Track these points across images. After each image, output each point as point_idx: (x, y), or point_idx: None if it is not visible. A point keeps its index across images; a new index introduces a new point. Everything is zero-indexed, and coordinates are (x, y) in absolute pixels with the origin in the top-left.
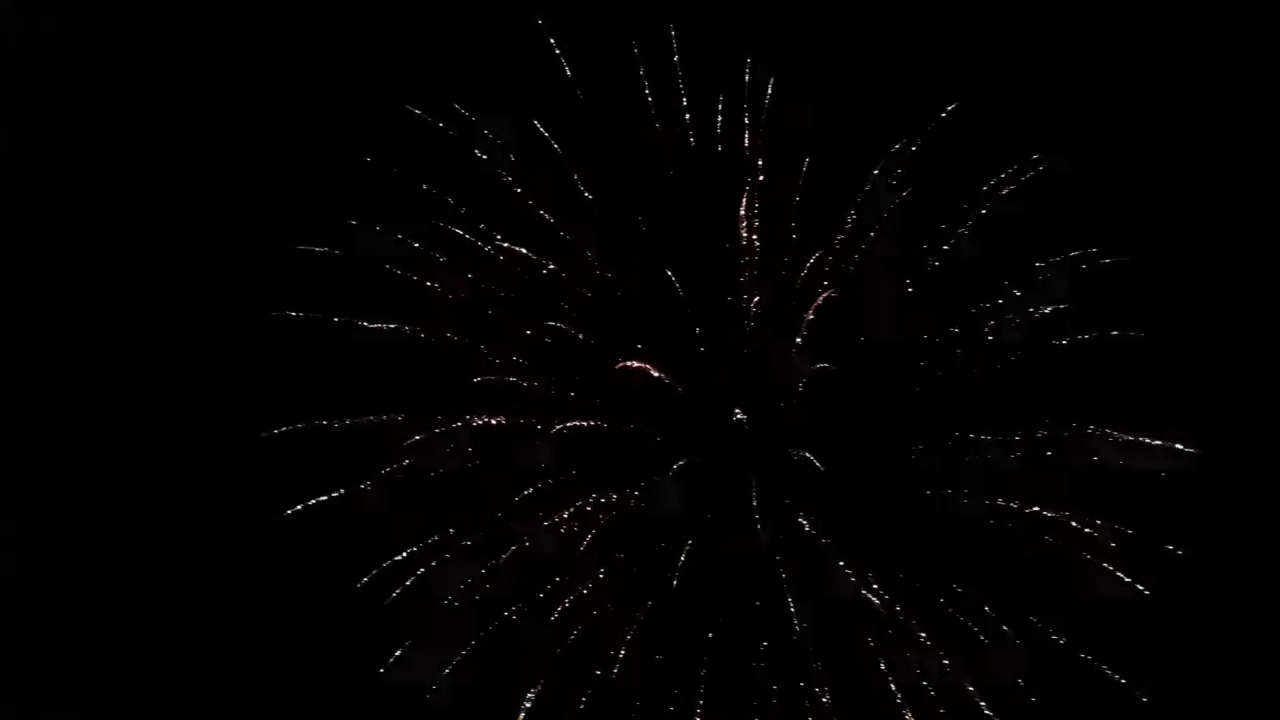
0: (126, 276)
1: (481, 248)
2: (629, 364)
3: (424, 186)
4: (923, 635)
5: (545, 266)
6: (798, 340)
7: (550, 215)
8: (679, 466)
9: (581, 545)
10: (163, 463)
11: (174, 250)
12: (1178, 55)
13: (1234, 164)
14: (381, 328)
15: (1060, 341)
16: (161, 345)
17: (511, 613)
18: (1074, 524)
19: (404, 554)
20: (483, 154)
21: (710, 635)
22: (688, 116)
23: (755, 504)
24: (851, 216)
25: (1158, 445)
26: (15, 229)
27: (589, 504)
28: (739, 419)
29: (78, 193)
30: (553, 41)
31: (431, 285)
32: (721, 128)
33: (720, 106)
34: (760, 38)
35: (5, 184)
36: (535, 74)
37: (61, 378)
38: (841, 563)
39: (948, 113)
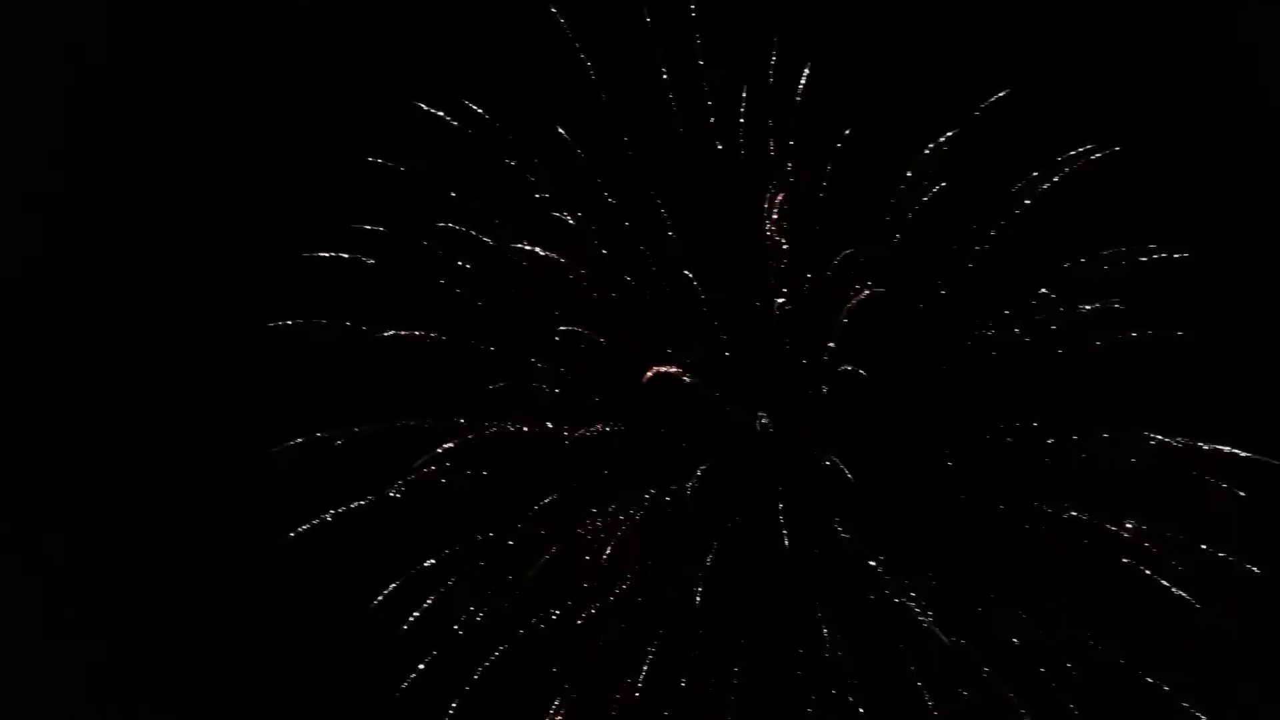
0: (126, 277)
1: (499, 250)
2: (659, 369)
3: (450, 192)
4: (962, 641)
5: (567, 269)
6: (829, 345)
7: (569, 216)
8: (702, 471)
9: (605, 555)
10: (163, 463)
11: (174, 251)
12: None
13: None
14: (399, 334)
15: (1095, 343)
16: (161, 346)
17: (539, 621)
18: (1110, 527)
19: (428, 563)
20: (497, 152)
21: (741, 641)
22: (712, 120)
23: (781, 509)
24: (886, 218)
25: (1202, 449)
26: (15, 229)
27: (614, 511)
28: (764, 423)
29: (78, 193)
30: (570, 34)
31: (453, 290)
32: (744, 123)
33: (743, 104)
34: (784, 30)
35: (5, 184)
36: (550, 68)
37: (61, 378)
38: (876, 565)
39: (991, 102)
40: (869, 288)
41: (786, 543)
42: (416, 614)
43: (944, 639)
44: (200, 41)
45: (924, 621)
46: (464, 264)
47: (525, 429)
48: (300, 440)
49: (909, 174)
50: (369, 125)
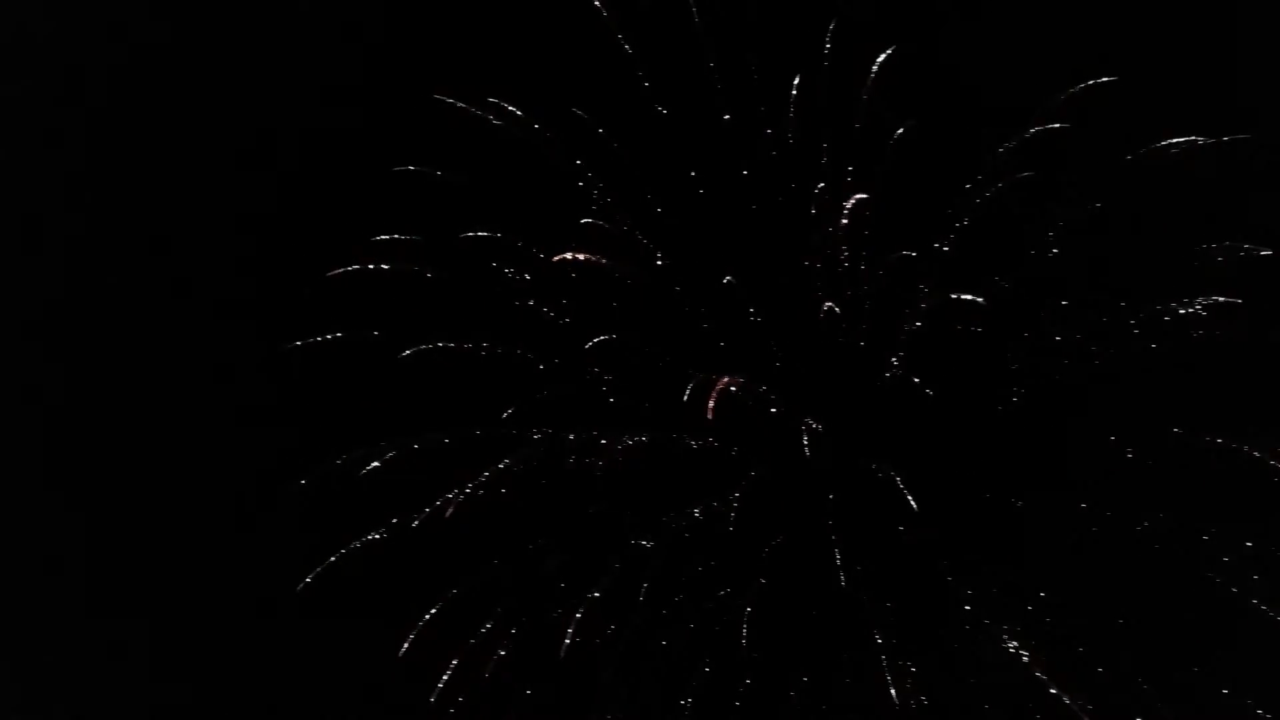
0: (134, 276)
1: (537, 255)
2: (723, 380)
3: (484, 197)
4: (1044, 657)
5: (612, 273)
6: (894, 359)
7: (611, 221)
8: (751, 479)
9: (655, 564)
10: (167, 463)
11: (181, 250)
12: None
13: None
14: (439, 345)
15: (1152, 345)
16: (168, 346)
17: (594, 633)
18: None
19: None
20: (534, 154)
21: (794, 651)
22: (767, 130)
23: (831, 525)
24: (947, 213)
25: None
26: (15, 229)
27: (663, 521)
28: (816, 430)
29: (78, 192)
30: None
31: (497, 298)
32: (796, 116)
33: (794, 93)
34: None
35: (5, 184)
36: (587, 59)
37: (65, 378)
38: (950, 580)
39: (1068, 95)
40: (930, 293)
41: (838, 557)
42: (483, 628)
43: (1025, 658)
44: (201, 41)
45: (1006, 643)
46: (512, 273)
47: (572, 438)
48: (362, 452)
49: (978, 177)
50: (395, 130)
